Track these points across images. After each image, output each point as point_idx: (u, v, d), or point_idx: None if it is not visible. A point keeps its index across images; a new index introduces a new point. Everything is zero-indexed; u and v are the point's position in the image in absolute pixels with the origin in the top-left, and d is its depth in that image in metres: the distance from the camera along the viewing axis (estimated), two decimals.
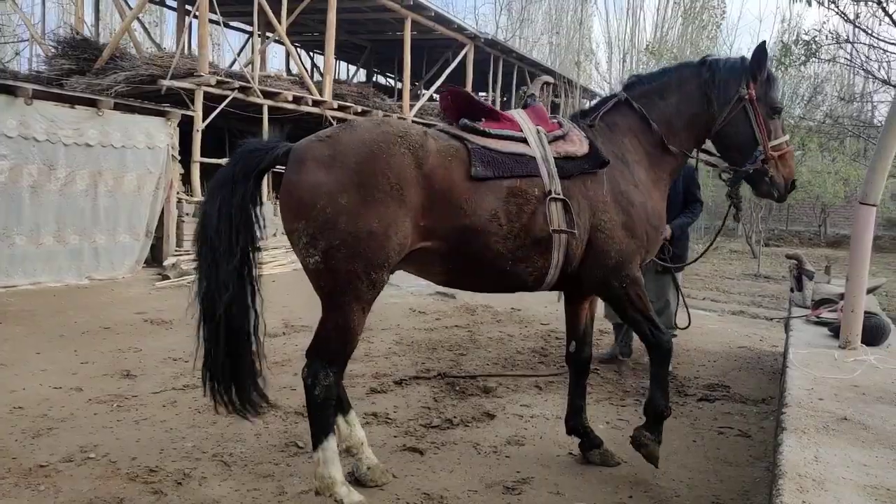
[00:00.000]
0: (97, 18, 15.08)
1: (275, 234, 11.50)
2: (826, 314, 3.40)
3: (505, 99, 19.87)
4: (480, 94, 21.25)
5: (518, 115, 3.05)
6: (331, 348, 2.77)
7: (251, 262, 2.73)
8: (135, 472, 2.93)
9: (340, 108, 13.10)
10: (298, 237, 2.58)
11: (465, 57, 16.74)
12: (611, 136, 3.01)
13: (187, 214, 9.87)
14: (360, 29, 17.33)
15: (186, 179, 10.33)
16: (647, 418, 3.00)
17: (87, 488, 2.78)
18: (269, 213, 11.56)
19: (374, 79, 22.01)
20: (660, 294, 4.71)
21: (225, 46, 21.78)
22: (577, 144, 2.88)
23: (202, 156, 10.50)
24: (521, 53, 20.05)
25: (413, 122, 15.12)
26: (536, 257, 2.78)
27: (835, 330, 3.01)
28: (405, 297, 7.86)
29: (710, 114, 2.96)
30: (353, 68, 21.98)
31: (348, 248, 2.50)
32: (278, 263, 10.07)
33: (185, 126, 10.02)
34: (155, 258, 9.33)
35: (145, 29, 16.45)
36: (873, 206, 2.71)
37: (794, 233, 21.69)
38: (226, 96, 10.65)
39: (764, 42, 2.91)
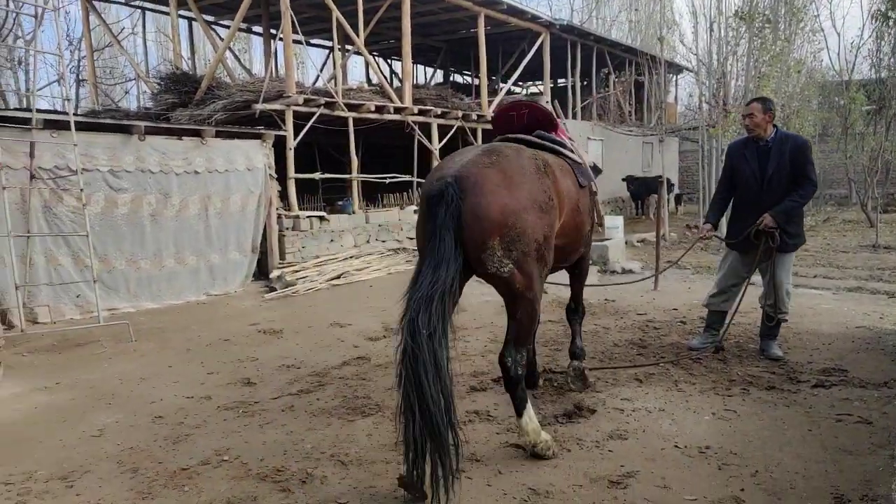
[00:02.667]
0: (192, 52, 16.27)
1: (367, 241, 11.97)
2: None
3: (585, 83, 19.47)
4: (560, 80, 20.94)
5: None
6: (524, 337, 3.30)
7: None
8: (264, 473, 3.22)
9: (421, 113, 13.39)
10: (490, 251, 3.02)
11: (541, 46, 16.57)
12: None
13: (287, 229, 10.49)
14: (435, 30, 17.58)
15: (283, 195, 10.98)
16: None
17: (224, 488, 3.09)
18: (362, 221, 12.04)
19: (451, 78, 22.27)
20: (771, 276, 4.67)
21: (308, 63, 22.75)
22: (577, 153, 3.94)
23: (296, 172, 11.11)
24: (598, 35, 19.57)
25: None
26: (582, 241, 3.88)
27: None
28: (496, 295, 7.94)
29: None
30: (430, 70, 22.33)
31: (536, 250, 3.10)
32: (374, 268, 10.47)
33: (279, 145, 10.65)
34: (261, 272, 9.99)
35: (236, 56, 17.56)
36: None
37: None
38: (313, 113, 11.20)
39: None
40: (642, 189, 18.32)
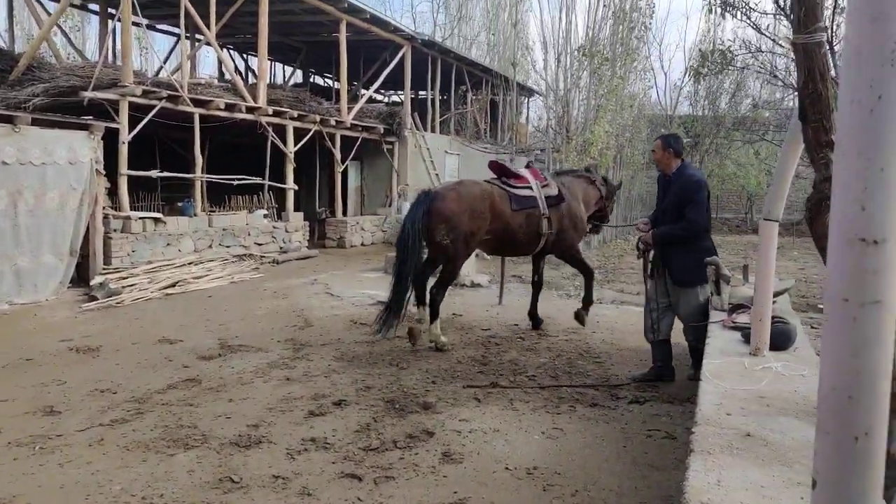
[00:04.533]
0: (11, 24, 14.24)
1: (210, 246, 11.21)
2: (740, 319, 3.59)
3: (444, 97, 19.93)
4: (420, 92, 21.27)
5: (526, 173, 6.22)
6: (446, 283, 5.84)
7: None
8: None
9: (276, 114, 12.86)
10: (438, 230, 5.61)
11: (402, 58, 16.69)
12: (570, 184, 6.47)
13: (115, 230, 9.51)
14: (295, 31, 17.02)
15: (114, 192, 9.94)
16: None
17: None
18: (204, 224, 11.24)
19: (311, 80, 21.68)
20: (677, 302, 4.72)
21: (151, 51, 20.93)
22: (554, 189, 6.19)
23: (130, 168, 10.12)
24: (458, 54, 20.15)
25: (353, 124, 14.96)
26: (535, 242, 6.14)
27: (747, 336, 3.18)
28: (346, 307, 7.82)
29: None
30: (288, 69, 21.57)
31: (463, 237, 5.66)
32: (215, 276, 9.82)
33: (111, 138, 9.63)
34: (81, 277, 8.94)
35: (66, 35, 15.66)
36: (776, 221, 2.87)
37: (724, 220, 22.63)
38: (153, 106, 10.29)
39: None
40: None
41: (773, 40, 4.98)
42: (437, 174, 17.08)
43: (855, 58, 0.82)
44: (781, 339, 3.04)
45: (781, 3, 4.77)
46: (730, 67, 5.53)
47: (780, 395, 2.49)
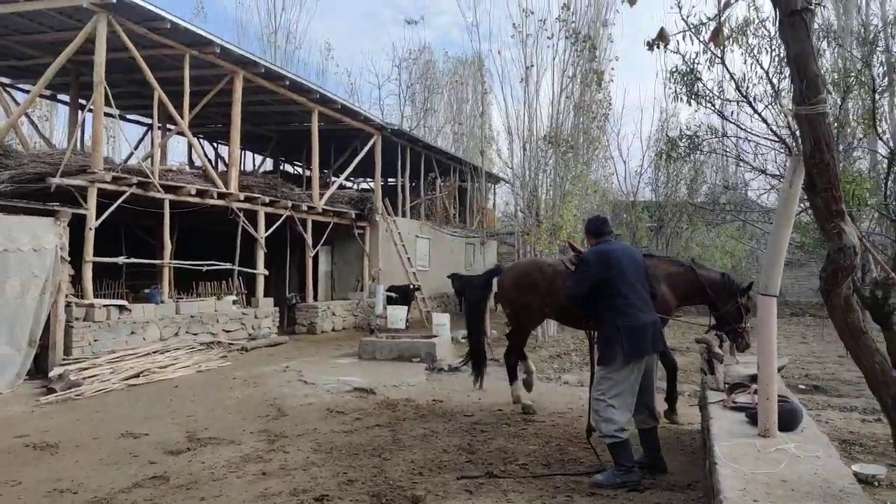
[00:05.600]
0: None
1: (177, 334, 10.80)
2: (741, 399, 3.54)
3: (414, 184, 20.35)
4: (390, 180, 21.73)
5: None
6: (510, 347, 6.83)
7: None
8: None
9: (247, 200, 12.86)
10: (507, 300, 6.71)
11: (373, 146, 17.12)
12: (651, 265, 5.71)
13: (77, 319, 9.10)
14: (266, 120, 17.41)
15: (77, 280, 9.60)
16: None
17: None
18: (171, 311, 10.87)
19: (281, 167, 21.95)
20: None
21: (121, 138, 21.05)
22: None
23: (98, 255, 9.85)
24: (426, 143, 20.81)
25: (325, 209, 15.00)
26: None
27: (751, 416, 3.11)
28: (321, 395, 7.50)
29: None
30: (259, 158, 21.84)
31: (522, 309, 6.61)
32: (181, 365, 9.39)
33: (77, 224, 9.40)
34: (39, 369, 8.43)
35: (33, 124, 15.65)
36: (773, 296, 2.89)
37: None
38: (122, 192, 10.17)
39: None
40: (466, 287, 19.12)
41: (738, 126, 5.28)
42: (408, 257, 17.13)
43: None
44: (789, 418, 2.99)
45: (743, 91, 5.09)
46: (697, 151, 5.81)
47: (802, 479, 2.40)
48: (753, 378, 3.82)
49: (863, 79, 4.27)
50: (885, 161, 4.50)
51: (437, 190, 20.89)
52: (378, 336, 10.83)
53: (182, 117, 11.81)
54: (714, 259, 14.53)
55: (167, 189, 11.07)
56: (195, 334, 11.14)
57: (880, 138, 4.51)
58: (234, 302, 12.42)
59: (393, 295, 14.65)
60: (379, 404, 6.93)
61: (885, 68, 4.33)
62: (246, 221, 12.76)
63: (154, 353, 9.73)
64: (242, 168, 19.54)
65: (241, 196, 12.62)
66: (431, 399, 7.17)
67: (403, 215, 18.81)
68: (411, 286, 16.03)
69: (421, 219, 19.93)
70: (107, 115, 11.72)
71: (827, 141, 1.85)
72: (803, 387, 8.03)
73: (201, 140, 19.25)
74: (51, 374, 8.05)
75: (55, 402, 7.19)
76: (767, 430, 2.92)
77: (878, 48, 4.23)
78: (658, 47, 2.64)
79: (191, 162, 17.85)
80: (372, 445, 5.32)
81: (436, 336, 10.27)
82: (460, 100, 31.11)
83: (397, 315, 12.06)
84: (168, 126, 14.80)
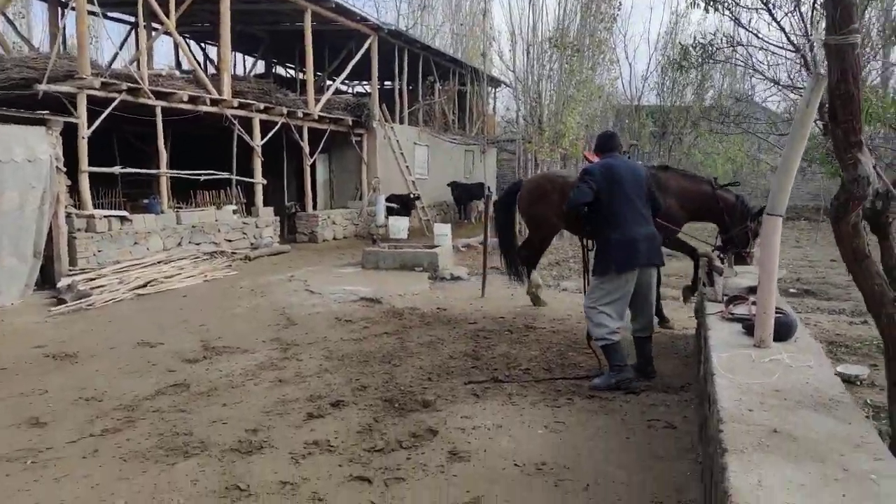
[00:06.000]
0: None
1: (179, 244, 10.91)
2: (739, 310, 3.68)
3: (411, 88, 19.78)
4: (387, 83, 21.09)
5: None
6: (528, 254, 7.29)
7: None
8: None
9: (241, 107, 12.55)
10: (522, 211, 7.17)
11: (369, 48, 16.47)
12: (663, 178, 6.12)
13: (79, 230, 9.16)
14: (256, 19, 16.59)
15: (74, 190, 9.56)
16: None
17: None
18: (172, 221, 10.91)
19: (273, 70, 21.21)
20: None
21: (103, 37, 20.12)
22: None
23: (90, 165, 9.74)
24: (425, 44, 20.00)
25: (321, 116, 14.70)
26: None
27: (748, 328, 3.26)
28: (329, 305, 7.72)
29: None
30: (249, 60, 21.04)
31: (535, 219, 7.03)
32: (188, 275, 9.56)
33: (69, 134, 9.23)
34: (46, 280, 8.59)
35: (11, 23, 14.88)
36: (780, 216, 2.94)
37: None
38: (112, 99, 9.90)
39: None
40: (465, 195, 19.16)
41: (756, 34, 5.09)
42: (407, 166, 16.99)
43: None
44: (784, 330, 3.13)
45: None
46: (711, 61, 5.64)
47: (795, 388, 2.56)
48: (751, 290, 3.96)
49: None
50: None
51: (435, 94, 20.34)
52: (380, 246, 10.97)
53: (168, 16, 11.27)
54: (716, 165, 14.47)
55: (158, 95, 10.77)
56: (198, 244, 11.26)
57: None
58: (235, 211, 12.45)
59: (393, 205, 14.68)
60: (385, 313, 7.16)
61: None
62: (241, 129, 12.52)
63: (159, 262, 9.88)
64: (234, 71, 18.89)
65: (235, 103, 12.30)
66: (436, 307, 7.39)
67: (401, 122, 18.44)
68: (411, 195, 16.03)
69: (419, 125, 19.55)
70: (90, 13, 11.16)
71: (854, 73, 1.83)
72: (794, 291, 8.28)
73: (188, 40, 18.43)
74: (59, 284, 8.22)
75: (67, 312, 7.39)
76: (763, 340, 3.07)
77: None
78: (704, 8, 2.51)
79: (178, 65, 17.21)
80: (381, 353, 5.56)
81: (437, 246, 10.41)
82: None
83: (399, 225, 12.14)
84: (153, 25, 14.14)
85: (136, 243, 10.06)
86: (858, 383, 4.39)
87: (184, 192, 12.57)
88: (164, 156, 11.20)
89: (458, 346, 5.74)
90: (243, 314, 7.34)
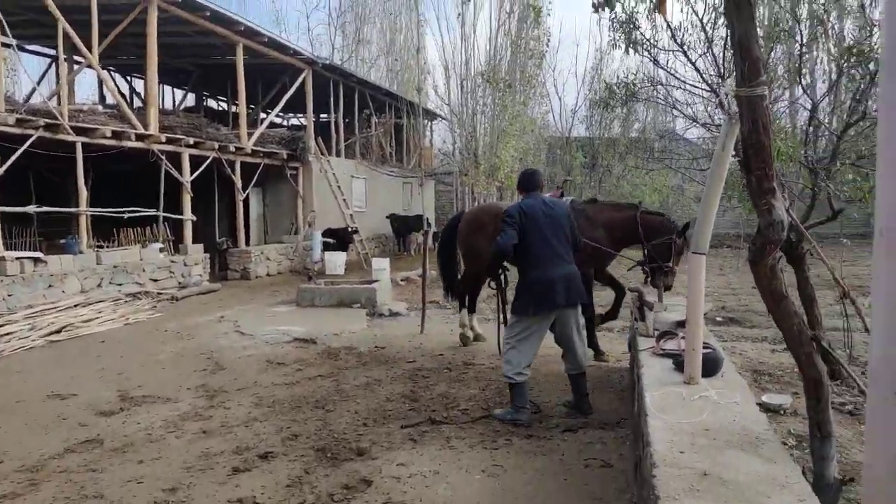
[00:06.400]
0: None
1: (100, 286, 10.32)
2: (669, 345, 3.74)
3: (347, 121, 19.73)
4: (322, 116, 20.97)
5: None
6: (467, 284, 7.17)
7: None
8: None
9: (170, 142, 12.13)
10: (460, 243, 7.05)
11: (303, 82, 16.36)
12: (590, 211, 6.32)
13: None
14: (186, 52, 16.26)
15: None
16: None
17: None
18: (92, 261, 10.33)
19: (204, 103, 20.74)
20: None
21: (21, 72, 19.15)
22: None
23: (3, 204, 9.14)
24: (360, 78, 20.06)
25: (254, 150, 14.41)
26: None
27: (678, 364, 3.30)
28: (260, 346, 7.41)
29: None
30: (179, 93, 20.51)
31: (470, 251, 6.80)
32: (107, 318, 9.02)
33: None
34: None
35: None
36: (703, 254, 3.01)
37: None
38: (28, 136, 9.37)
39: None
40: (404, 227, 19.12)
41: (672, 74, 5.34)
42: (344, 199, 16.82)
43: None
44: (711, 366, 3.19)
45: (678, 40, 5.12)
46: (634, 99, 5.87)
47: (722, 427, 2.58)
48: (680, 324, 4.04)
49: (788, 30, 4.38)
50: (808, 113, 4.69)
51: (372, 127, 20.36)
52: (316, 282, 10.71)
53: (91, 50, 10.84)
54: (643, 196, 15.04)
55: (79, 131, 10.28)
56: (120, 285, 10.69)
57: (804, 91, 4.67)
58: (161, 249, 11.92)
59: (330, 240, 14.44)
60: (320, 354, 6.93)
61: (810, 21, 4.44)
62: (169, 164, 12.09)
63: (76, 306, 9.29)
64: (162, 105, 18.36)
65: (163, 138, 11.89)
66: (373, 346, 7.23)
67: (338, 154, 18.31)
68: (348, 228, 15.85)
69: (356, 158, 19.48)
70: (5, 45, 10.61)
71: (764, 123, 1.90)
72: (720, 319, 8.58)
73: (113, 73, 17.83)
74: None
75: None
76: (692, 377, 3.11)
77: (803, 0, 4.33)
78: (603, 10, 2.58)
79: (102, 98, 16.58)
80: (315, 397, 5.34)
81: (376, 281, 10.26)
82: (394, 30, 29.90)
83: (335, 261, 11.92)
84: (75, 58, 13.58)
85: (50, 286, 9.44)
86: (782, 412, 4.53)
87: (107, 231, 11.96)
88: (83, 193, 10.65)
89: (396, 388, 5.59)
90: (167, 360, 6.94)
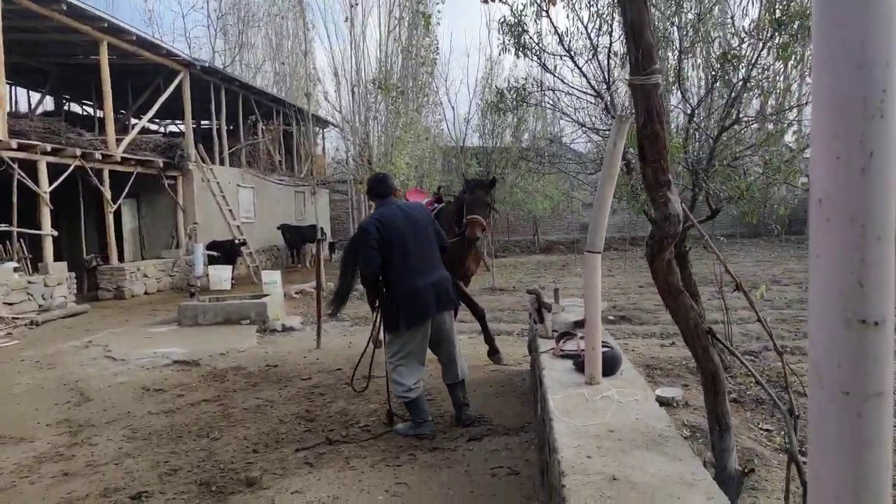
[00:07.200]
0: None
1: None
2: (568, 346, 3.72)
3: (232, 127, 18.75)
4: (203, 123, 19.78)
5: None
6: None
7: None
8: None
9: (22, 148, 10.86)
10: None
11: (180, 84, 15.33)
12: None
13: None
14: (42, 51, 14.73)
15: None
16: None
17: None
18: (3, 276, 8.98)
19: (65, 107, 18.92)
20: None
21: None
22: None
23: None
24: (244, 82, 19.18)
25: (124, 157, 13.28)
26: None
27: (578, 364, 3.27)
28: (135, 373, 6.72)
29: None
30: (35, 95, 18.56)
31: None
32: None
33: None
34: None
35: None
36: (598, 253, 2.99)
37: (515, 242, 24.61)
38: None
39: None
40: (297, 238, 18.42)
41: (562, 80, 5.45)
42: (230, 209, 15.92)
43: (836, 109, 0.73)
44: (610, 364, 3.18)
45: (565, 45, 5.22)
46: (524, 104, 5.93)
47: (626, 426, 2.55)
48: (577, 324, 4.05)
49: (669, 37, 4.60)
50: (687, 118, 4.93)
51: (259, 135, 19.48)
52: (199, 299, 9.96)
53: None
54: (535, 202, 15.51)
55: None
56: None
57: (684, 96, 4.91)
58: (16, 269, 10.62)
59: (214, 254, 13.56)
60: (204, 376, 6.38)
61: (686, 30, 4.68)
62: (22, 174, 10.81)
63: None
64: (13, 109, 16.56)
65: (14, 144, 10.61)
66: (265, 364, 6.77)
67: (222, 163, 17.34)
68: (235, 240, 14.99)
69: (243, 166, 18.54)
70: None
71: (658, 112, 1.87)
72: (612, 318, 8.91)
73: None
74: None
75: None
76: (594, 377, 3.08)
77: (683, 9, 4.56)
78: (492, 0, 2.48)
79: None
80: (198, 425, 4.86)
81: (266, 295, 9.70)
82: (280, 35, 28.94)
83: (220, 275, 11.17)
84: None
85: None
86: (675, 405, 4.68)
87: None
88: None
89: (290, 408, 5.22)
90: (23, 393, 6.10)
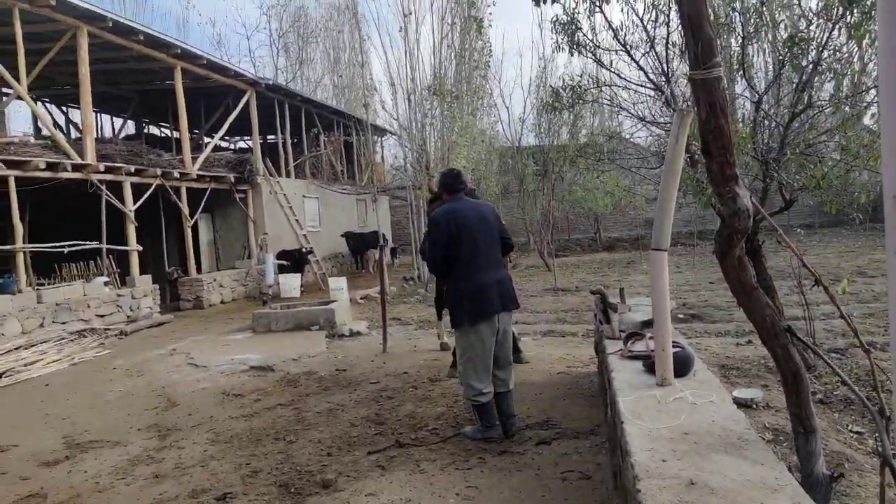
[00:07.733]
0: None
1: (41, 325, 9.76)
2: (637, 347, 3.65)
3: (295, 140, 19.39)
4: (270, 138, 20.57)
5: None
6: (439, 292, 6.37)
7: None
8: None
9: (109, 171, 11.63)
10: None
11: (247, 103, 16.00)
12: None
13: None
14: (124, 79, 15.71)
15: None
16: None
17: None
18: (32, 301, 9.75)
19: (145, 130, 20.09)
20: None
21: None
22: None
23: None
24: (305, 97, 19.79)
25: (199, 175, 13.97)
26: None
27: (649, 366, 3.21)
28: (215, 378, 7.06)
29: None
30: (118, 121, 19.81)
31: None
32: (51, 360, 8.49)
33: None
34: None
35: None
36: (664, 251, 2.93)
37: (576, 241, 24.24)
38: None
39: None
40: (360, 244, 18.84)
41: (618, 75, 5.34)
42: (297, 219, 16.46)
43: None
44: (683, 365, 3.11)
45: (620, 40, 5.13)
46: (580, 101, 5.86)
47: (702, 429, 2.48)
48: (645, 324, 3.97)
49: (731, 23, 4.44)
50: (753, 106, 4.74)
51: (321, 146, 20.06)
52: (271, 307, 10.36)
53: (19, 80, 10.31)
54: (596, 199, 15.22)
55: (10, 164, 9.73)
56: (63, 323, 10.11)
57: (749, 84, 4.72)
58: (106, 283, 11.36)
59: (284, 262, 14.05)
60: (279, 381, 6.64)
61: (749, 15, 4.50)
62: (110, 194, 11.58)
63: (17, 349, 8.72)
64: (100, 134, 17.72)
65: (101, 167, 11.38)
66: (335, 369, 6.97)
67: (288, 175, 17.95)
68: (303, 249, 15.49)
69: (307, 178, 19.13)
70: None
71: (722, 105, 1.83)
72: (682, 316, 8.64)
73: (47, 104, 17.12)
74: None
75: None
76: (665, 379, 3.02)
77: None
78: (544, 2, 2.49)
79: (37, 130, 15.83)
80: (275, 429, 5.07)
81: (334, 301, 9.98)
82: (338, 49, 29.73)
83: (290, 283, 11.58)
84: (3, 90, 12.95)
85: None
86: (754, 406, 4.50)
87: (48, 267, 11.33)
88: (19, 230, 10.07)
89: (360, 411, 5.36)
90: (116, 400, 6.53)
